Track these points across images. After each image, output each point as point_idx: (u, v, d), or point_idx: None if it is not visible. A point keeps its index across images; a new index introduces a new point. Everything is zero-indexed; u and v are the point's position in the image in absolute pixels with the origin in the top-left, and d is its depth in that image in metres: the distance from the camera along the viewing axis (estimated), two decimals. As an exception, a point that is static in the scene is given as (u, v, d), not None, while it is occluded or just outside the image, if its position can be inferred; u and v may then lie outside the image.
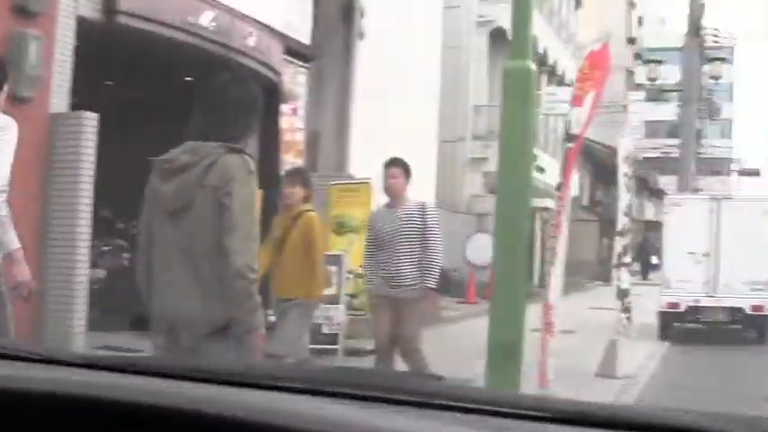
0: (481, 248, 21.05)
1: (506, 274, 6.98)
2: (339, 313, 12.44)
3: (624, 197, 14.03)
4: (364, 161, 16.46)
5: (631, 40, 57.34)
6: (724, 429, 1.62)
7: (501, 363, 6.76)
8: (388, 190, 9.18)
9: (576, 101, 9.39)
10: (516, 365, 6.80)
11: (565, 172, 8.81)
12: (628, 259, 14.32)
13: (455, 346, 14.26)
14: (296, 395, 1.75)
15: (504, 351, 6.77)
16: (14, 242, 5.92)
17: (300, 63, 15.30)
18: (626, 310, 13.97)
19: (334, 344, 12.31)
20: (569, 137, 28.93)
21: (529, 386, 8.30)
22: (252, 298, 4.48)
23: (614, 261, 14.36)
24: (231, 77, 5.15)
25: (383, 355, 9.04)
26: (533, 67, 7.43)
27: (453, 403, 1.75)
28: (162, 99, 12.71)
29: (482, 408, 1.74)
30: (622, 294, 14.04)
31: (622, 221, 13.93)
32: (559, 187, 8.92)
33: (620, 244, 14.22)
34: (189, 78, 12.79)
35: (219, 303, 4.47)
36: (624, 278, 14.31)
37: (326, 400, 1.73)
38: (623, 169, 13.87)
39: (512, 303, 6.92)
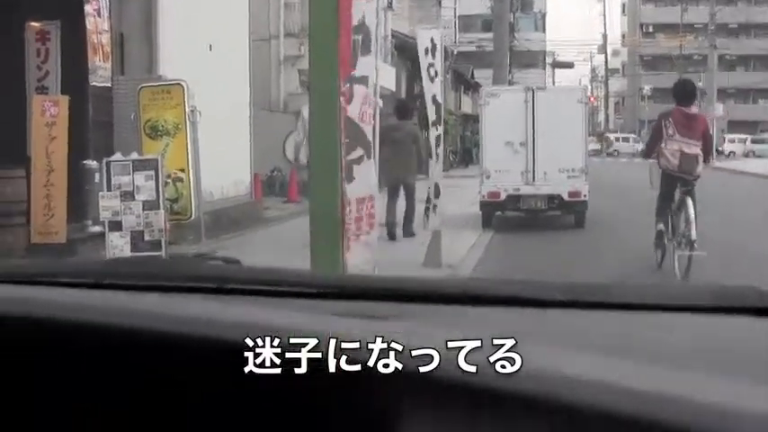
0: (300, 147, 20.91)
1: (322, 168, 6.83)
2: (160, 219, 12.04)
3: (430, 88, 13.84)
4: (175, 62, 15.97)
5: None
6: (547, 296, 1.57)
7: (323, 253, 6.66)
8: None
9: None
10: (337, 255, 6.72)
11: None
12: (440, 150, 14.16)
13: (280, 245, 14.21)
14: (85, 290, 1.58)
15: (325, 242, 6.67)
16: None
17: (103, -39, 14.64)
18: (427, 201, 13.93)
19: (158, 251, 11.95)
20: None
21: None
22: None
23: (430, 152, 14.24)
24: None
25: None
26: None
27: (250, 287, 1.61)
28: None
29: (286, 290, 1.61)
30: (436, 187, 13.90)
31: (432, 112, 13.72)
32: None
33: (432, 135, 14.03)
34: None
35: None
36: (435, 170, 14.14)
37: (119, 293, 1.56)
38: (428, 60, 13.70)
39: (329, 197, 6.80)
